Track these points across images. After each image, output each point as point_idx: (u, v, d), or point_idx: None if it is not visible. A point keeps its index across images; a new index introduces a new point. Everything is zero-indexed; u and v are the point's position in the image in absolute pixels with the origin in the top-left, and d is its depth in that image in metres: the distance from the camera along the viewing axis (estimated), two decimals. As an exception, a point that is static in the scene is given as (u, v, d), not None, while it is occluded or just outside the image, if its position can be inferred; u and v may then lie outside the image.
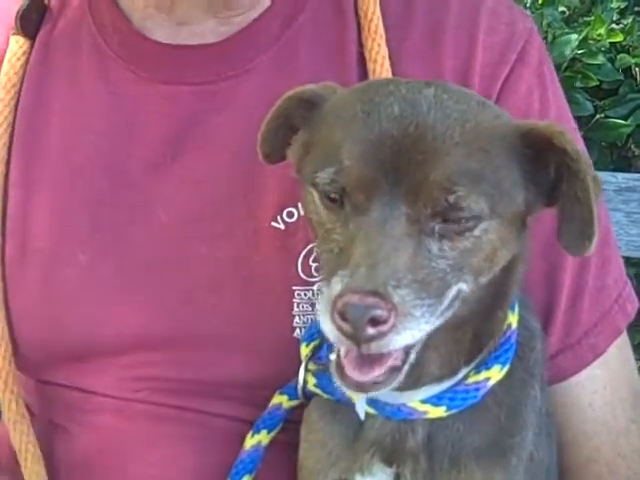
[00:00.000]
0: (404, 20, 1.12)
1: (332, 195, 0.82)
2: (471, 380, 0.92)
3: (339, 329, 0.75)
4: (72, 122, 1.13)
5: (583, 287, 1.13)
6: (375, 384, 0.80)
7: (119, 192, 1.11)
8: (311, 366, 1.02)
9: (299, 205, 1.07)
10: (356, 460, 0.96)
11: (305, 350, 1.03)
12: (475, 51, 1.10)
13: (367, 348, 0.75)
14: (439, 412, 0.92)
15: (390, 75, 1.08)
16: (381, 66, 1.08)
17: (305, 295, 1.08)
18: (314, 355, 1.02)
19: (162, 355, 1.11)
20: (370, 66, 1.09)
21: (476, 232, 0.81)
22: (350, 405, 0.95)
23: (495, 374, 0.93)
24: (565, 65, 2.23)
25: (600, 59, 2.21)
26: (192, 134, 1.10)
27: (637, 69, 2.26)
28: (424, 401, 0.92)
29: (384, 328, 0.74)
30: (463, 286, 0.82)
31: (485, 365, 0.92)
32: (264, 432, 1.06)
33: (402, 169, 0.78)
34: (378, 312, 0.74)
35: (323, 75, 1.09)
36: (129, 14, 1.13)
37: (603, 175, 1.45)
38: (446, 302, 0.80)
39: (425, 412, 0.92)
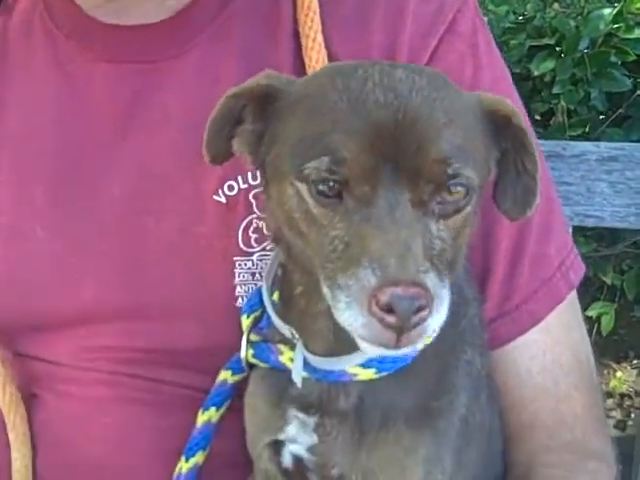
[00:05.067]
0: None
1: (328, 188, 0.80)
2: None
3: (381, 321, 0.75)
4: (29, 111, 1.18)
5: (523, 253, 1.11)
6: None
7: (74, 170, 1.16)
8: (253, 337, 1.04)
9: (239, 178, 1.10)
10: (281, 417, 0.99)
11: (246, 321, 1.05)
12: (404, 24, 1.10)
13: (407, 337, 0.76)
14: (369, 374, 0.93)
15: (323, 49, 1.09)
16: (313, 40, 1.09)
17: (245, 265, 1.11)
18: (255, 326, 1.04)
19: (115, 325, 1.15)
20: (304, 41, 1.10)
21: (468, 208, 0.83)
22: (286, 371, 0.97)
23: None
24: (600, 40, 2.18)
25: (637, 33, 2.14)
26: (137, 112, 1.14)
27: (677, 41, 2.17)
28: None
29: (425, 314, 0.75)
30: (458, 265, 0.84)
31: None
32: (213, 409, 1.09)
33: (400, 156, 0.79)
34: (423, 301, 0.75)
35: (259, 52, 1.11)
36: (80, 4, 1.17)
37: (584, 145, 1.41)
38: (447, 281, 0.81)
39: (355, 374, 0.93)
